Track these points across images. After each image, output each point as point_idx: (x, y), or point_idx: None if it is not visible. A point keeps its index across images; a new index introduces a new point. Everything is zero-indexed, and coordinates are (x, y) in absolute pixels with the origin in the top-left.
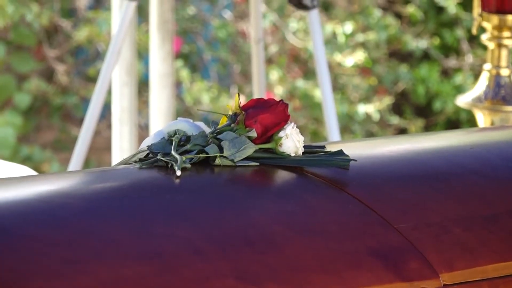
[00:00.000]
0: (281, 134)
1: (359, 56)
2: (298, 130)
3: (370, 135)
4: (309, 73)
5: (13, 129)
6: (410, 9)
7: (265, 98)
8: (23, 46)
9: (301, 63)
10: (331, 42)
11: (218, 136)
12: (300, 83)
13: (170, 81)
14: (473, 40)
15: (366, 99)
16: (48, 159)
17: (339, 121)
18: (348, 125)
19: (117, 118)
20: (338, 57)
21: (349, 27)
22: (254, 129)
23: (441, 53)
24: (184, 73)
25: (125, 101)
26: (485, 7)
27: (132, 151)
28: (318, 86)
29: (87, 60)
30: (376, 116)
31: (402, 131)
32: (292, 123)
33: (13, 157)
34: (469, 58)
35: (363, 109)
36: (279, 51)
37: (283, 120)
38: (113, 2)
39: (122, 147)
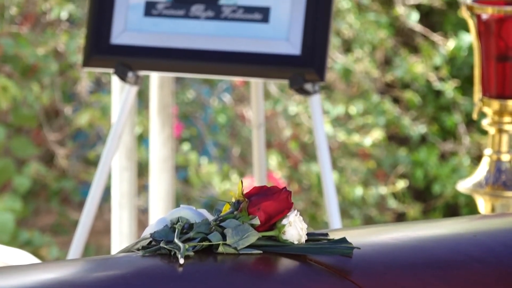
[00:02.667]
0: (284, 221)
1: (369, 138)
2: (301, 218)
3: (368, 219)
4: (308, 156)
5: (12, 214)
6: (408, 94)
7: (266, 181)
8: (23, 129)
9: (300, 146)
10: (333, 123)
11: (221, 224)
12: (301, 168)
13: (169, 165)
14: (472, 124)
15: (365, 182)
16: (47, 243)
17: (338, 204)
18: (346, 209)
19: (116, 203)
20: (341, 138)
21: (353, 108)
22: (257, 217)
23: (439, 137)
24: (193, 156)
25: (125, 186)
26: (485, 92)
27: (131, 235)
28: (318, 168)
29: (86, 143)
30: (390, 202)
31: (400, 216)
32: (295, 211)
33: (12, 242)
34: (468, 142)
35: (360, 192)
36: (278, 135)
37: (286, 207)
38: (113, 86)
39: (122, 231)
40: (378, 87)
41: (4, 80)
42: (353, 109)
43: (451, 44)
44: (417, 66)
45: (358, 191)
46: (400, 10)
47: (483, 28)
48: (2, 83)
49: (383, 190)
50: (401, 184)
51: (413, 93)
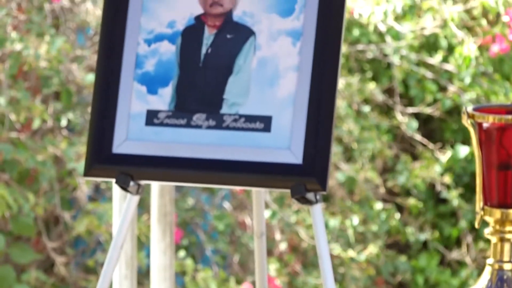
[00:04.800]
0: None
1: (368, 251)
2: None
3: None
4: (308, 265)
5: None
6: (411, 201)
7: None
8: (22, 236)
9: (300, 254)
10: (332, 233)
11: None
12: (300, 277)
13: (170, 273)
14: (474, 231)
15: None
16: None
17: None
18: None
19: None
20: (340, 251)
21: (355, 219)
22: None
23: (441, 244)
24: (189, 263)
25: None
26: (487, 201)
27: None
28: (319, 277)
29: (86, 250)
30: None
31: None
32: None
33: None
34: (470, 250)
35: None
36: (276, 243)
37: None
38: (114, 193)
39: None
40: (379, 194)
41: (2, 190)
42: (352, 221)
43: (448, 154)
44: (418, 173)
45: None
46: (399, 118)
47: (484, 137)
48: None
49: None
50: None
51: (415, 200)
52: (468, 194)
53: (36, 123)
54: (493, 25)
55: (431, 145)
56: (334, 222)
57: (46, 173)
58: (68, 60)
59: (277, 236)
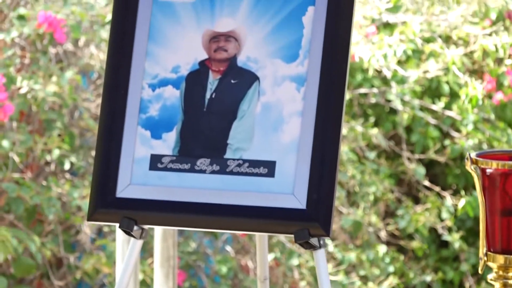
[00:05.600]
0: None
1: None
2: None
3: None
4: None
5: None
6: (414, 244)
7: None
8: (25, 279)
9: None
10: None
11: None
12: None
13: None
14: (476, 274)
15: None
16: None
17: None
18: None
19: None
20: None
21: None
22: None
23: (443, 287)
24: None
25: None
26: (490, 246)
27: None
28: None
29: None
30: None
31: None
32: None
33: None
34: None
35: None
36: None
37: None
38: (117, 236)
39: None
40: (381, 238)
41: (5, 233)
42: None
43: (454, 200)
44: (421, 218)
45: None
46: (406, 164)
47: (488, 183)
48: (3, 235)
49: None
50: None
51: (419, 243)
52: (471, 238)
53: (39, 156)
54: (497, 68)
55: (437, 189)
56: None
57: (52, 208)
58: (72, 103)
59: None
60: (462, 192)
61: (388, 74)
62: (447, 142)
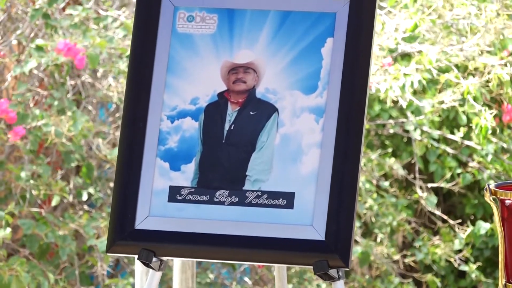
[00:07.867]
0: None
1: None
2: None
3: None
4: None
5: None
6: (429, 277)
7: None
8: None
9: None
10: None
11: None
12: None
13: None
14: None
15: None
16: None
17: None
18: None
19: None
20: None
21: None
22: None
23: None
24: None
25: None
26: (509, 277)
27: None
28: None
29: None
30: None
31: None
32: None
33: None
34: None
35: None
36: None
37: None
38: (136, 268)
39: None
40: (398, 270)
41: (19, 268)
42: None
43: (469, 230)
44: (437, 249)
45: None
46: (419, 193)
47: (507, 213)
48: (17, 271)
49: None
50: None
51: (433, 276)
52: (489, 268)
53: (55, 200)
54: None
55: (451, 221)
56: None
57: (66, 247)
58: (91, 135)
59: None
60: (468, 222)
61: (404, 104)
62: (463, 170)
